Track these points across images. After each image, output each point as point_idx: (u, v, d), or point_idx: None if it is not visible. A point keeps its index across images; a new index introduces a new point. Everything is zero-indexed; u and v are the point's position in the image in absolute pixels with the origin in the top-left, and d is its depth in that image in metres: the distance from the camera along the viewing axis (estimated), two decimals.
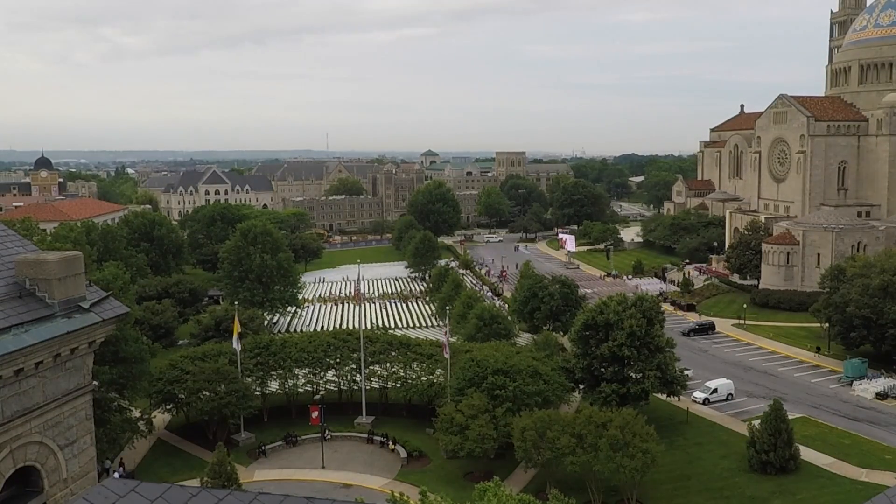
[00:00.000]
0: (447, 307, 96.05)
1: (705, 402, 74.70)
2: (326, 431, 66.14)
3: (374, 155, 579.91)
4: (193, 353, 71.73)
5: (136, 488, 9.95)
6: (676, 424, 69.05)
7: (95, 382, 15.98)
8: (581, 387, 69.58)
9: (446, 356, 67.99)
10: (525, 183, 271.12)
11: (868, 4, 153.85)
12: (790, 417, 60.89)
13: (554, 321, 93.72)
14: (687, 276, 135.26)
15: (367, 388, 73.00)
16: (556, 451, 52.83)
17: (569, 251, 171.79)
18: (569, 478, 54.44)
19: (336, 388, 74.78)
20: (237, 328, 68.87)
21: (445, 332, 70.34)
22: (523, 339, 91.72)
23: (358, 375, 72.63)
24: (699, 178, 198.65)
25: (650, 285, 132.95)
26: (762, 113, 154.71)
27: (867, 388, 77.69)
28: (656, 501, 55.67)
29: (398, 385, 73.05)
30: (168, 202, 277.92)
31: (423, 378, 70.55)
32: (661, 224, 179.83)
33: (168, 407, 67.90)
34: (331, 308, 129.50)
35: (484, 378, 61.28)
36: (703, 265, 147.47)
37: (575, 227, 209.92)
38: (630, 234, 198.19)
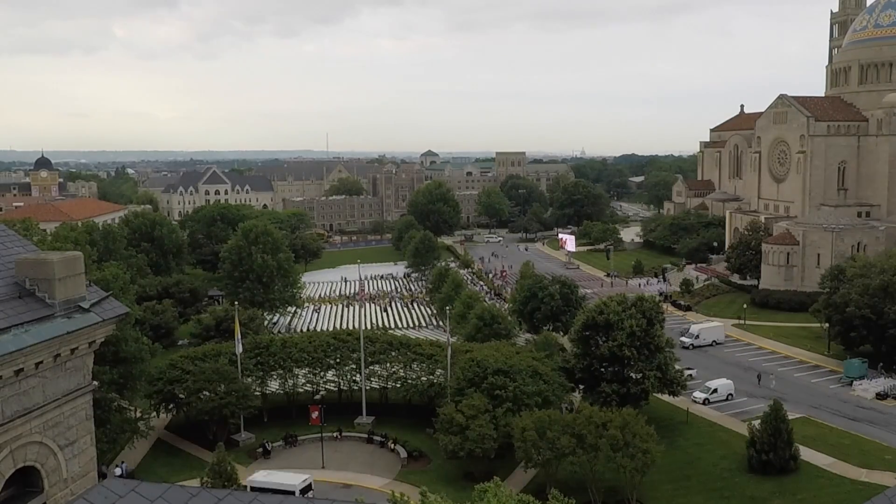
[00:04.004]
0: (447, 307, 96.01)
1: (705, 402, 74.73)
2: (336, 432, 66.49)
3: (374, 155, 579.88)
4: (193, 353, 71.76)
5: (136, 488, 9.98)
6: (676, 424, 69.03)
7: (95, 382, 15.99)
8: (581, 387, 69.58)
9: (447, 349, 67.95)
10: (525, 183, 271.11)
11: (868, 4, 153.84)
12: (790, 417, 60.87)
13: (554, 321, 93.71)
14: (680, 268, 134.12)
15: (367, 388, 73.05)
16: (556, 452, 52.86)
17: (569, 251, 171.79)
18: (569, 478, 54.47)
19: (336, 388, 74.81)
20: (237, 331, 68.91)
21: (448, 343, 70.01)
22: (523, 339, 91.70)
23: (358, 375, 72.67)
24: (699, 178, 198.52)
25: (650, 286, 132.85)
26: (762, 113, 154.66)
27: (867, 389, 77.70)
28: (656, 501, 55.69)
29: (398, 385, 73.08)
30: (168, 202, 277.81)
31: (423, 378, 70.61)
32: (661, 224, 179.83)
33: (168, 407, 67.96)
34: (330, 308, 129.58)
35: (484, 378, 61.29)
36: (704, 265, 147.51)
37: (575, 227, 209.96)
38: (630, 235, 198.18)
